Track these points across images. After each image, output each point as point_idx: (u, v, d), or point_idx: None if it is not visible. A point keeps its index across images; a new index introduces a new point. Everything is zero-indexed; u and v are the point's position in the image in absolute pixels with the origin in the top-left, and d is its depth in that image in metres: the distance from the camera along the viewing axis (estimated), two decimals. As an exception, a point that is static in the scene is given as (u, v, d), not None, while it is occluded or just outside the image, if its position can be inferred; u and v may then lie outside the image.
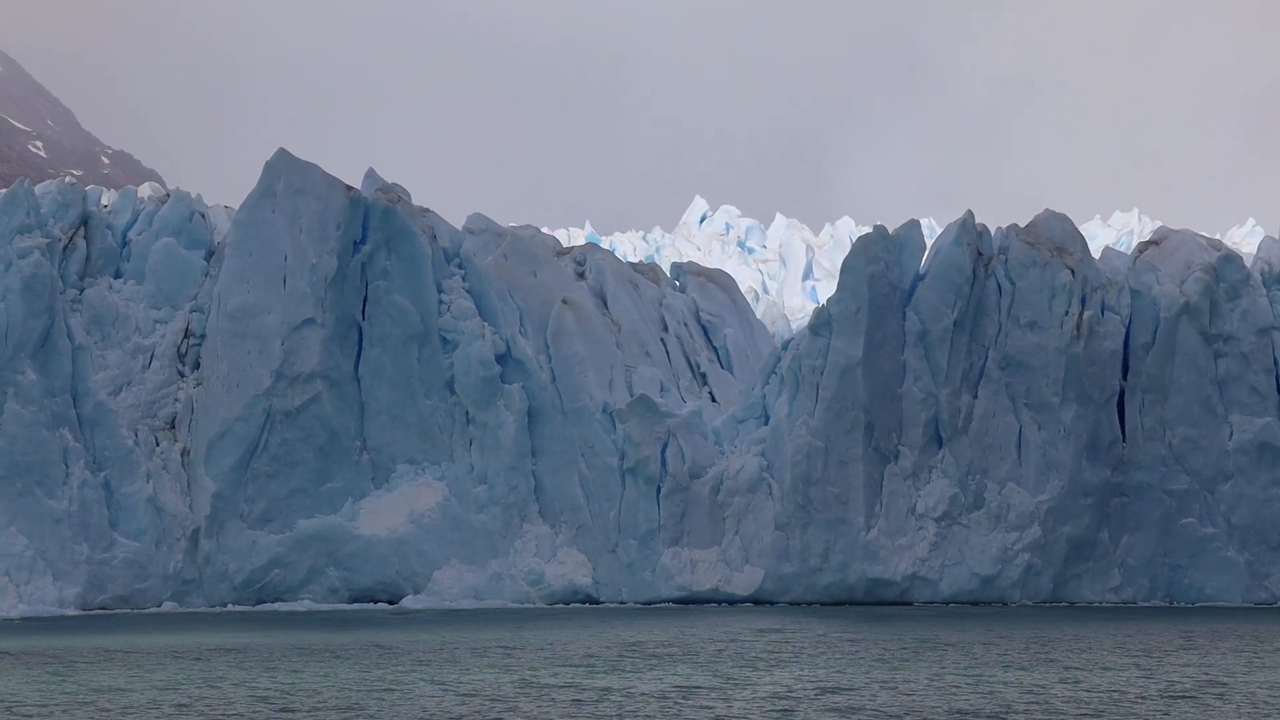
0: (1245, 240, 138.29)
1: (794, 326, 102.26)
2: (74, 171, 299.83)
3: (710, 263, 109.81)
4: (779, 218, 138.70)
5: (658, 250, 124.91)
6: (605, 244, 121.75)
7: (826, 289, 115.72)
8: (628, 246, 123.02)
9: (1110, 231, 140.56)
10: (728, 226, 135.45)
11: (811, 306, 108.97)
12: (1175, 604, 71.17)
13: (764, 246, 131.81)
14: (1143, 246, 76.16)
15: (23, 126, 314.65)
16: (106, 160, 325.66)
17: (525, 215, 68.75)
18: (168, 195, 73.81)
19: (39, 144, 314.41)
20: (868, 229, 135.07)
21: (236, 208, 74.18)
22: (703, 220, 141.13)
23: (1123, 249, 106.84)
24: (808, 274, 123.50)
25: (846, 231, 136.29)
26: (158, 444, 69.25)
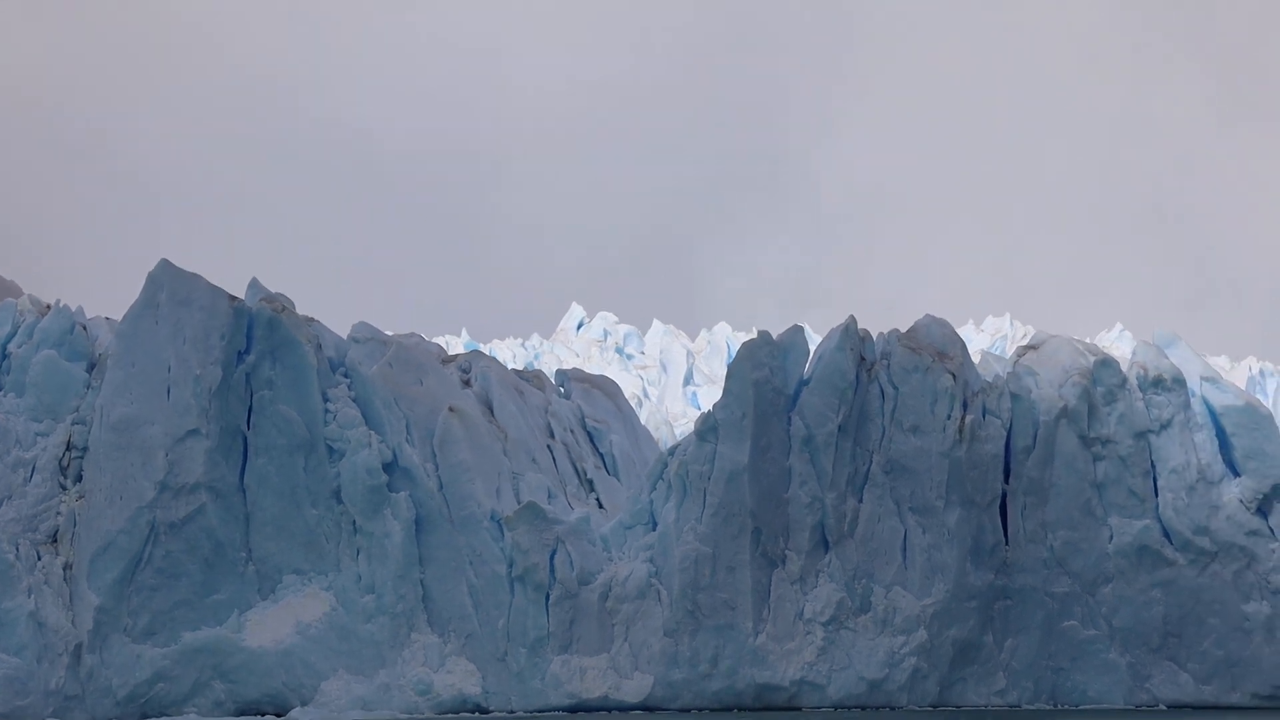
0: (1114, 344, 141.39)
1: (677, 432, 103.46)
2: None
3: (590, 369, 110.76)
4: (656, 324, 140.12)
5: (537, 357, 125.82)
6: (485, 351, 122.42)
7: (707, 394, 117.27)
8: (507, 354, 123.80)
9: (984, 336, 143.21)
10: (605, 333, 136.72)
11: (693, 412, 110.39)
12: (1060, 707, 72.47)
13: (642, 353, 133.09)
14: (1021, 351, 77.98)
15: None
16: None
17: (404, 323, 69.63)
18: (48, 307, 73.81)
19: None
20: (744, 334, 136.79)
21: (118, 319, 74.31)
22: (580, 327, 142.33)
23: (997, 353, 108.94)
24: (688, 380, 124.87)
25: (724, 337, 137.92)
26: (39, 558, 68.96)
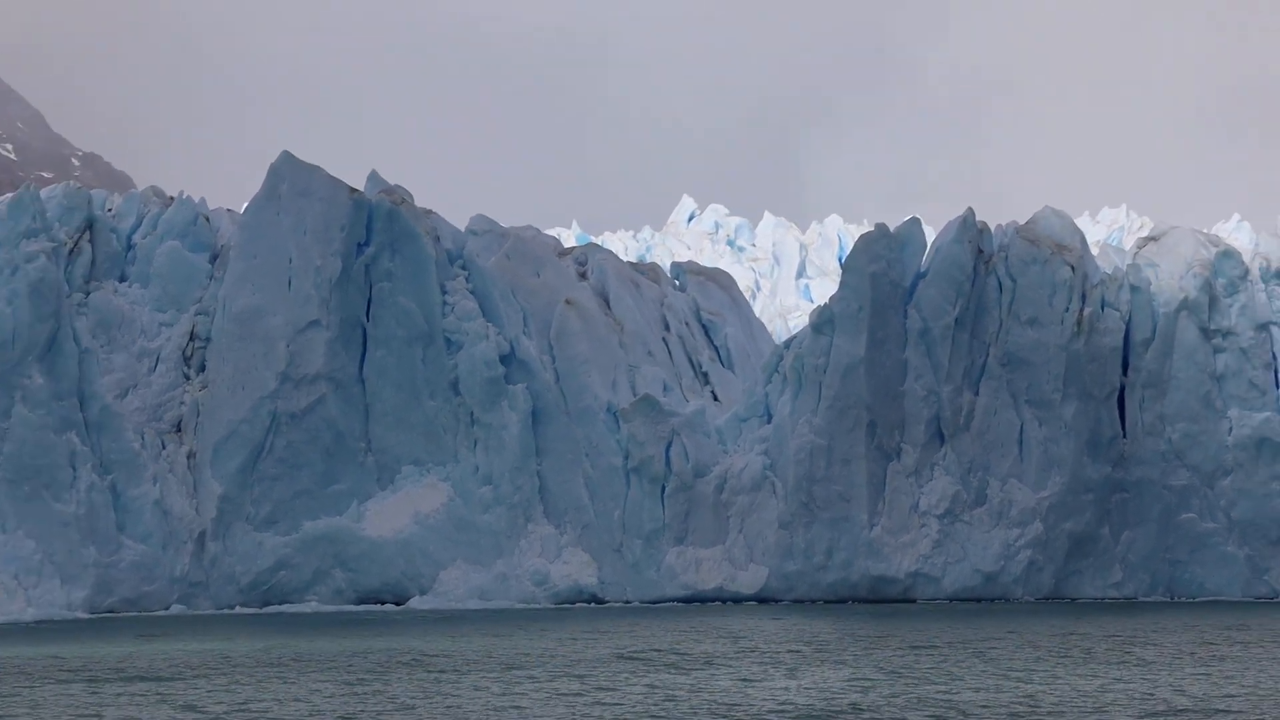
0: (1232, 236, 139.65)
1: (791, 325, 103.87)
2: (43, 173, 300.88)
3: (702, 262, 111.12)
4: (767, 216, 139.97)
5: (649, 249, 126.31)
6: (597, 243, 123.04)
7: (820, 287, 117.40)
8: (619, 246, 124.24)
9: (1100, 228, 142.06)
10: (717, 225, 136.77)
11: (806, 305, 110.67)
12: (1177, 599, 72.80)
13: (754, 245, 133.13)
14: (1141, 242, 77.74)
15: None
16: (76, 162, 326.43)
17: (516, 216, 70.21)
18: (171, 199, 75.03)
19: (8, 146, 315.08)
20: (855, 227, 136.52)
21: (239, 211, 75.48)
22: (691, 219, 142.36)
23: (1114, 245, 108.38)
24: (800, 272, 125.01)
25: (835, 229, 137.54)
26: (164, 447, 70.49)
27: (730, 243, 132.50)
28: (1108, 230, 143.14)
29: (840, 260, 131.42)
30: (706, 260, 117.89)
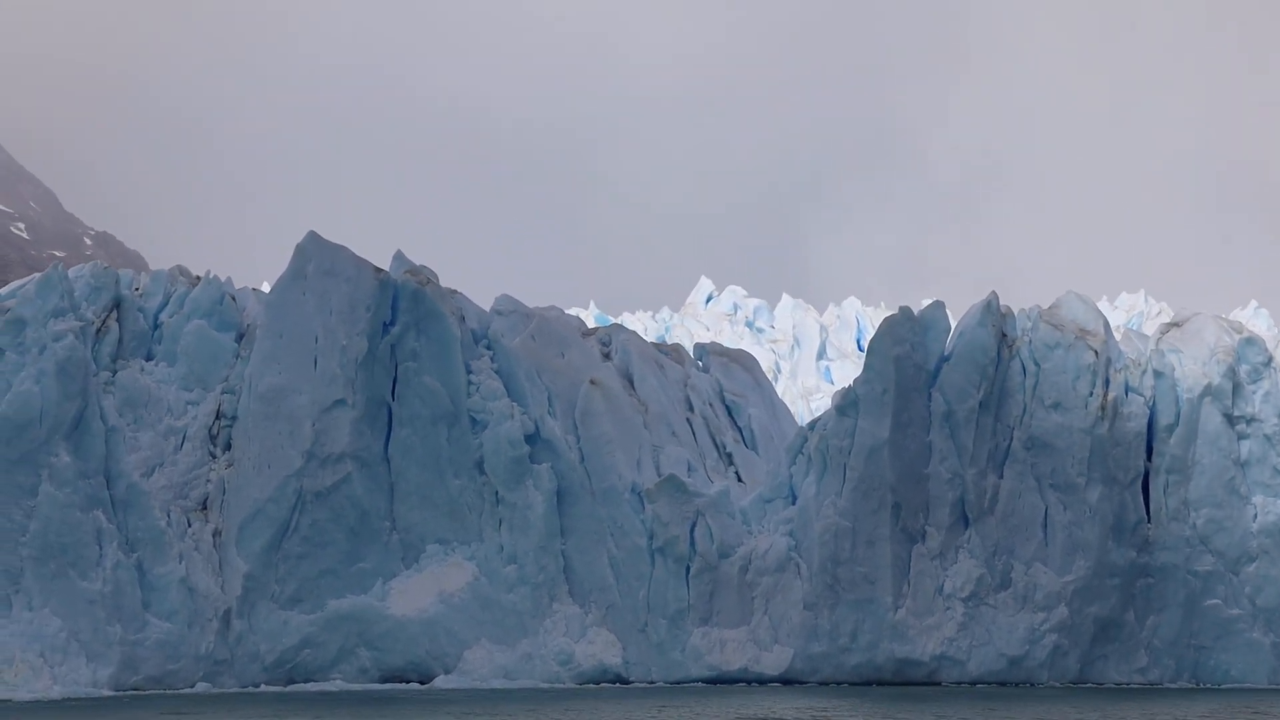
0: (1250, 322, 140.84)
1: (813, 406, 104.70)
2: (56, 252, 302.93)
3: (722, 343, 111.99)
4: (785, 298, 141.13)
5: (668, 330, 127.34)
6: (619, 324, 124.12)
7: (839, 369, 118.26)
8: (638, 326, 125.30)
9: (1119, 313, 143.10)
10: (735, 307, 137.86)
11: (827, 386, 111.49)
12: (1202, 685, 73.17)
13: (772, 326, 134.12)
14: (1164, 328, 78.52)
15: (4, 208, 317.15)
16: (89, 241, 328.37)
17: (531, 296, 71.25)
18: (198, 278, 75.97)
19: (21, 225, 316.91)
20: (873, 309, 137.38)
21: (263, 290, 76.40)
22: (709, 300, 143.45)
23: (1134, 330, 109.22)
24: (821, 354, 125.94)
25: (853, 312, 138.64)
26: (190, 525, 71.13)
27: (749, 324, 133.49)
28: (1127, 315, 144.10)
29: (859, 342, 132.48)
30: (726, 341, 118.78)
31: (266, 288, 78.59)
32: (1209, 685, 73.15)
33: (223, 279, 76.13)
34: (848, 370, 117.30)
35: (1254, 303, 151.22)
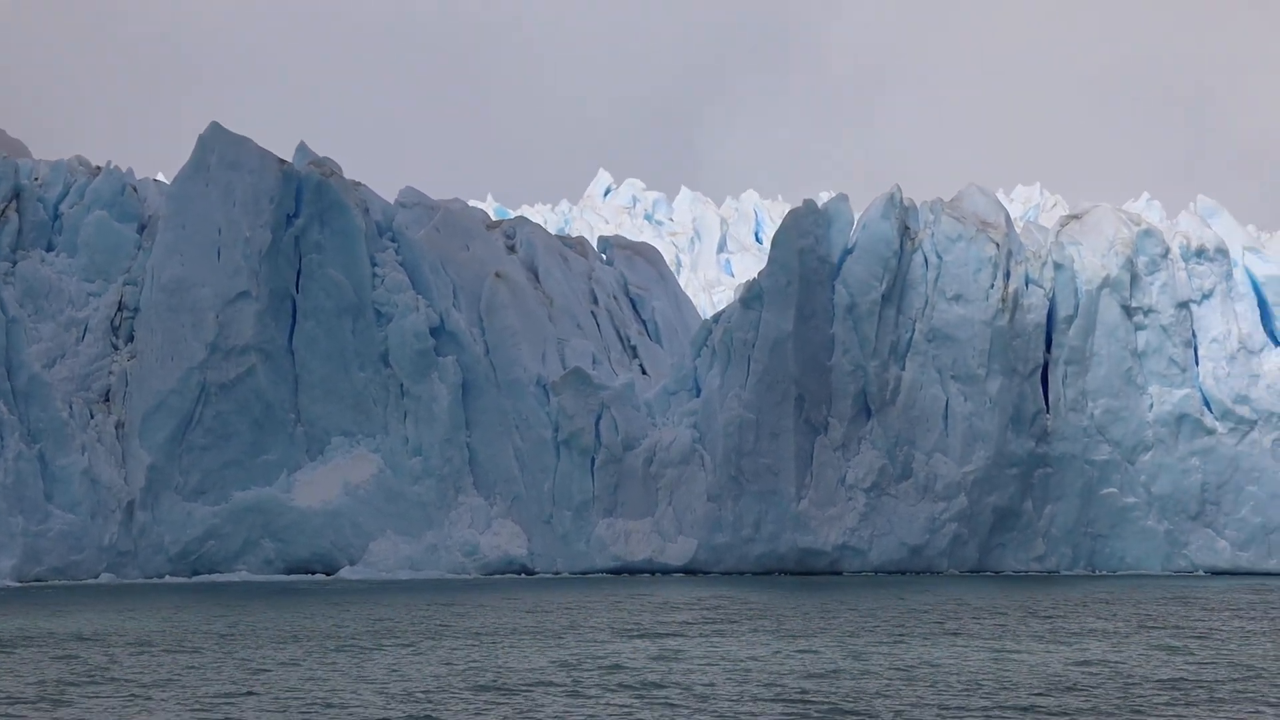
0: (1142, 214, 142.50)
1: (715, 299, 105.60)
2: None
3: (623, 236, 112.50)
4: (684, 190, 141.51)
5: (568, 223, 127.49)
6: (515, 216, 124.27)
7: (740, 262, 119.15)
8: (538, 219, 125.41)
9: (1015, 205, 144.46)
10: (634, 199, 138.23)
11: (728, 279, 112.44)
12: (1097, 572, 74.94)
13: (671, 219, 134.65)
14: (1064, 220, 79.72)
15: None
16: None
17: (428, 188, 71.15)
18: (98, 169, 75.68)
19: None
20: (771, 202, 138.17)
21: (166, 181, 76.22)
22: (607, 193, 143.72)
23: (1032, 222, 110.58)
24: (721, 247, 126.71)
25: (751, 205, 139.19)
26: (92, 416, 71.26)
27: (648, 217, 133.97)
28: (1023, 208, 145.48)
29: (757, 235, 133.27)
30: (626, 235, 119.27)
31: (165, 178, 78.31)
32: (1105, 572, 74.93)
33: (123, 170, 75.84)
34: (748, 263, 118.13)
35: (1146, 194, 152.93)
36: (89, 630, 43.54)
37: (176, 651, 37.49)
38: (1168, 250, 77.28)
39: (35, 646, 38.83)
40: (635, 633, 41.95)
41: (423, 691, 29.92)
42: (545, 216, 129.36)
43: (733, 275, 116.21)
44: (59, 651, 37.61)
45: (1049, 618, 46.76)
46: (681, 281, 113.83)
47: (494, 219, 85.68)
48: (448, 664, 34.46)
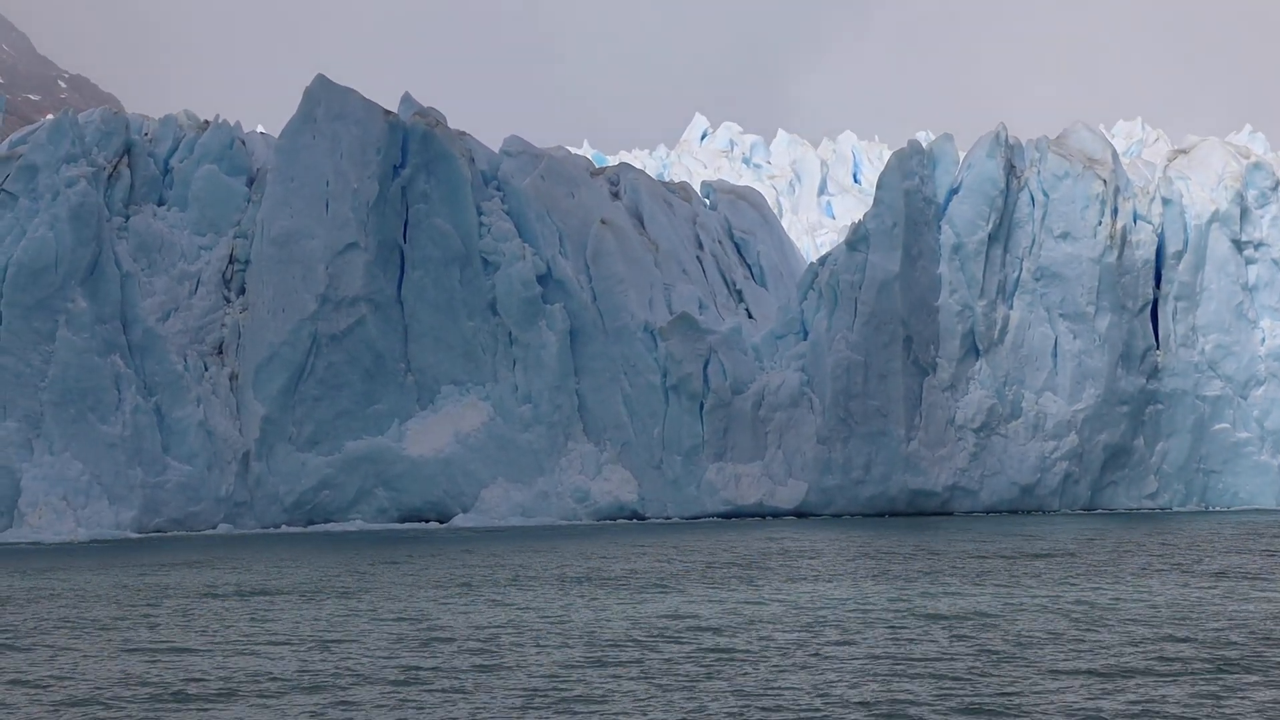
0: (1249, 148, 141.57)
1: (818, 242, 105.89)
2: (30, 96, 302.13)
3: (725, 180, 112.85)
4: (781, 133, 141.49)
5: (666, 168, 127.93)
6: (612, 162, 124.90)
7: (840, 204, 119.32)
8: (637, 165, 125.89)
9: (1118, 141, 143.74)
10: (731, 143, 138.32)
11: (829, 221, 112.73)
12: (1211, 509, 75.23)
13: (769, 163, 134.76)
14: (1171, 155, 79.80)
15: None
16: (63, 85, 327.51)
17: (526, 135, 72.04)
18: (206, 123, 76.90)
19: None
20: (868, 143, 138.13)
21: (273, 134, 77.39)
22: (704, 138, 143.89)
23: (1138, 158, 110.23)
24: (822, 189, 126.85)
25: (849, 146, 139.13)
26: (206, 369, 72.67)
27: (746, 161, 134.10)
28: (1125, 144, 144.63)
29: (855, 177, 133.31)
30: (725, 179, 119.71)
31: (271, 131, 79.51)
32: (1218, 508, 75.22)
33: (231, 124, 77.03)
34: (849, 205, 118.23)
35: (1248, 127, 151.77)
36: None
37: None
38: (1278, 183, 77.20)
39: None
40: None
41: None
42: (644, 162, 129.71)
43: (834, 217, 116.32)
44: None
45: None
46: (783, 225, 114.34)
47: (594, 166, 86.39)
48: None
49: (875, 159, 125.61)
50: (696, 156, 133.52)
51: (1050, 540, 53.47)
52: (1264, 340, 75.43)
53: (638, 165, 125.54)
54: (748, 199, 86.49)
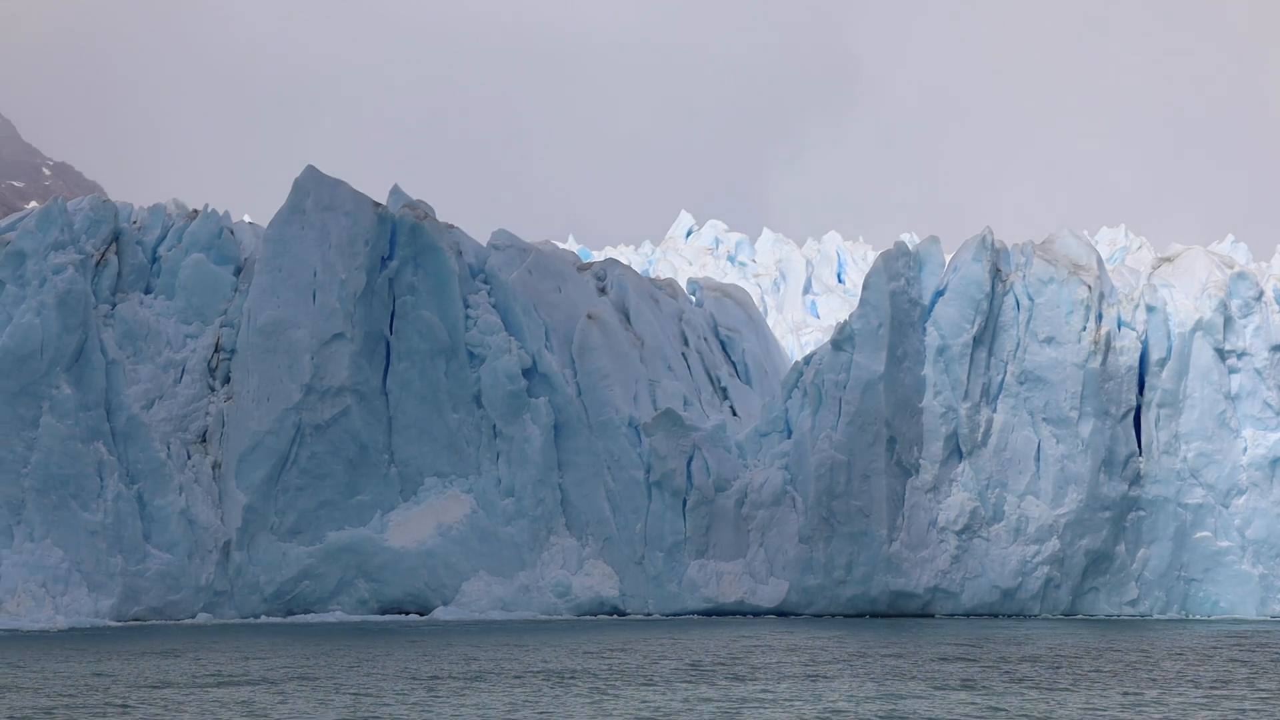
0: (1232, 257, 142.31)
1: (802, 341, 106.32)
2: (14, 183, 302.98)
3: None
4: (766, 232, 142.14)
5: (651, 264, 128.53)
6: (597, 258, 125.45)
7: (825, 304, 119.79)
8: (623, 261, 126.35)
9: (1102, 248, 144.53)
10: (717, 241, 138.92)
11: (814, 321, 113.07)
12: (1191, 617, 75.31)
13: (754, 261, 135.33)
14: (1156, 263, 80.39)
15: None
16: (47, 171, 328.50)
17: (513, 231, 72.97)
18: (195, 212, 77.28)
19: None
20: (853, 244, 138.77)
21: (261, 224, 77.82)
22: (689, 235, 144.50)
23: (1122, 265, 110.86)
24: (807, 289, 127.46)
25: (834, 246, 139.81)
26: (189, 457, 72.76)
27: (731, 259, 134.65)
28: (1109, 250, 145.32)
29: (839, 276, 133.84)
30: (710, 276, 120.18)
31: (251, 220, 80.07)
32: (1198, 617, 75.32)
33: (220, 213, 77.43)
34: (833, 305, 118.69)
35: (1231, 236, 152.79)
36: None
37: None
38: (1261, 293, 77.78)
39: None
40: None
41: None
42: (629, 258, 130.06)
43: (819, 317, 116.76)
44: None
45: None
46: (768, 323, 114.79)
47: (580, 261, 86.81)
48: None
49: (860, 259, 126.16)
50: (681, 253, 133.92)
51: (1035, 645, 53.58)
52: (1246, 450, 75.77)
53: (623, 261, 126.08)
54: (733, 296, 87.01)
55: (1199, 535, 75.59)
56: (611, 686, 37.97)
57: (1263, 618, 75.02)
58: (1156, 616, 75.24)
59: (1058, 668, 43.68)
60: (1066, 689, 37.47)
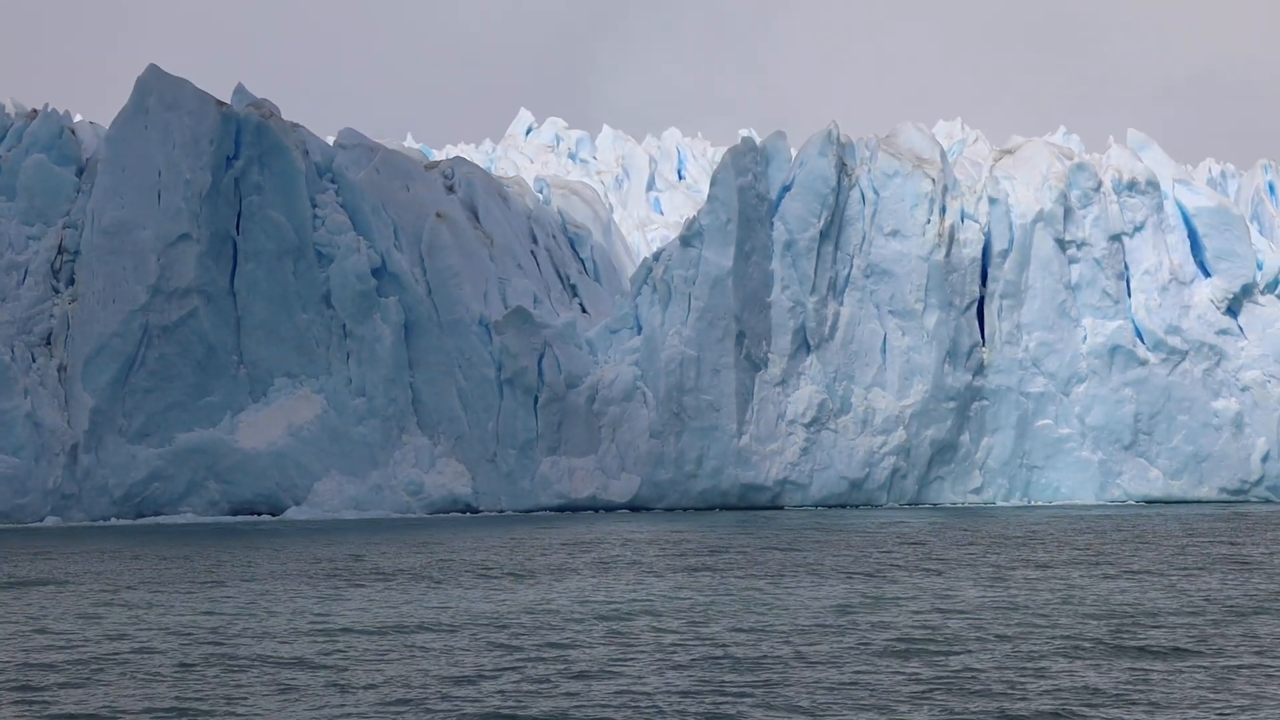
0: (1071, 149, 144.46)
1: (648, 237, 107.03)
2: None
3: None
4: (606, 129, 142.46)
5: (492, 163, 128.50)
6: (439, 156, 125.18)
7: (669, 200, 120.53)
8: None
9: (940, 141, 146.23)
10: (558, 138, 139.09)
11: (658, 217, 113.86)
12: (1033, 503, 77.28)
13: (595, 158, 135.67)
14: (998, 155, 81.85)
15: None
16: None
17: (356, 128, 72.90)
18: (34, 112, 76.37)
19: None
20: (692, 140, 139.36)
21: (103, 124, 77.08)
22: (529, 132, 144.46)
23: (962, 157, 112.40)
24: (650, 185, 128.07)
25: (674, 142, 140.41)
26: (34, 360, 72.28)
27: (572, 156, 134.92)
28: (947, 143, 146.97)
29: (680, 173, 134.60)
30: (554, 174, 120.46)
31: (102, 121, 79.21)
32: (1041, 502, 77.29)
33: (61, 112, 76.58)
34: (676, 201, 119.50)
35: (1063, 128, 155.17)
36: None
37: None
38: (1100, 184, 79.50)
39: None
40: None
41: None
42: (471, 157, 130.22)
43: (662, 213, 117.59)
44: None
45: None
46: (619, 220, 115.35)
47: (427, 159, 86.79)
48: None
49: (700, 155, 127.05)
50: (523, 151, 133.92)
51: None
52: (1085, 338, 77.64)
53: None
54: (581, 194, 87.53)
55: (1040, 423, 77.48)
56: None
57: (1102, 502, 77.13)
58: (1000, 504, 77.10)
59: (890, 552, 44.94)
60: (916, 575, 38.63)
